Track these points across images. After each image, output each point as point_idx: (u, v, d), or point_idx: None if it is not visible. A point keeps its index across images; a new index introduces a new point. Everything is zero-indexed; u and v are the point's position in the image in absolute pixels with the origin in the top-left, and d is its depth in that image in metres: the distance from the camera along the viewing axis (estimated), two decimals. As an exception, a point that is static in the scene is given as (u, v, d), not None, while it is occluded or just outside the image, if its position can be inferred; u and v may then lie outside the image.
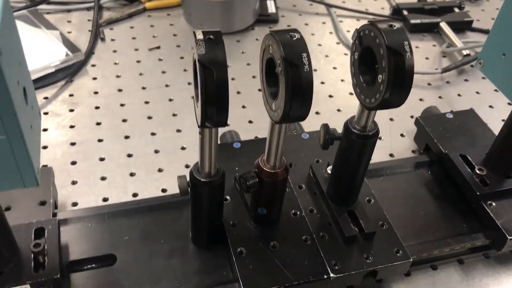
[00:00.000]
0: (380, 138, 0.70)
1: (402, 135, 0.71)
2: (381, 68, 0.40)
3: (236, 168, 0.57)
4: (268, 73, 0.41)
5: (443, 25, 0.91)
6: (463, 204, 0.58)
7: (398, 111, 0.74)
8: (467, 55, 0.84)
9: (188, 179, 0.46)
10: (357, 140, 0.47)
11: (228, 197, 0.54)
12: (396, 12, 0.95)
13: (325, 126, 0.48)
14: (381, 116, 0.73)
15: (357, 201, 0.54)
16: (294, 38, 0.38)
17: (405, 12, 0.94)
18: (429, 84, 0.81)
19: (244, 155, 0.59)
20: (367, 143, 0.47)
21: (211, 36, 0.37)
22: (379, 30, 0.40)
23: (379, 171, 0.61)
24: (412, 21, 0.91)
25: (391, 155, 0.68)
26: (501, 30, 0.49)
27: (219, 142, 0.63)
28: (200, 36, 0.37)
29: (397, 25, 0.40)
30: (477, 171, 0.57)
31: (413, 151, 0.69)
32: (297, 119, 0.40)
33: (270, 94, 0.41)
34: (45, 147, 0.64)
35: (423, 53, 0.87)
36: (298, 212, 0.53)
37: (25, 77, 0.36)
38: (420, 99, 0.78)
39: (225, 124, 0.39)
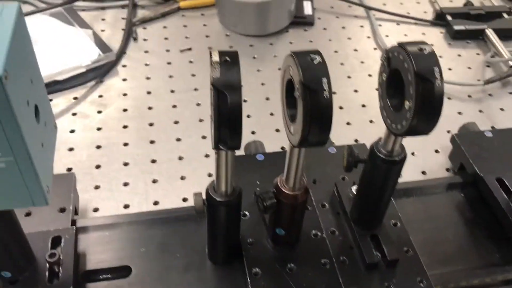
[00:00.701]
0: (412, 154, 0.67)
1: (436, 151, 0.68)
2: (409, 94, 0.38)
3: (258, 182, 0.56)
4: (288, 94, 0.39)
5: (489, 32, 0.86)
6: (497, 232, 0.55)
7: (434, 125, 0.71)
8: (514, 66, 0.79)
9: (204, 197, 0.45)
10: (382, 165, 0.45)
11: (247, 213, 0.52)
12: (440, 17, 0.90)
13: (349, 148, 0.46)
14: (415, 130, 0.70)
15: (382, 224, 0.51)
16: (314, 61, 0.36)
17: (449, 17, 0.89)
18: (469, 96, 0.77)
19: (267, 168, 0.57)
20: (393, 168, 0.45)
21: (227, 58, 0.35)
22: (408, 53, 0.37)
23: (408, 191, 0.59)
24: (456, 27, 0.86)
25: (423, 172, 0.65)
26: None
27: (243, 153, 0.61)
28: (215, 58, 0.35)
29: (428, 48, 0.37)
30: (514, 198, 0.54)
31: (447, 169, 0.65)
32: (315, 145, 0.38)
33: (289, 116, 0.39)
34: (71, 149, 0.65)
35: (465, 62, 0.83)
36: (319, 233, 0.51)
37: (38, 94, 0.36)
38: (459, 113, 0.74)
39: (238, 148, 0.37)
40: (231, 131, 0.36)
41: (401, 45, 0.38)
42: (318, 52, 0.37)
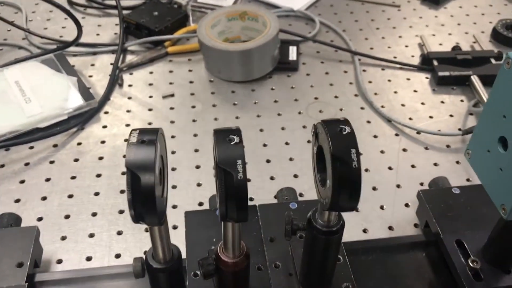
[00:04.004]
0: (381, 208, 0.66)
1: (407, 205, 0.67)
2: (329, 173, 0.38)
3: (214, 240, 0.56)
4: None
5: (474, 79, 0.84)
6: (456, 296, 0.54)
7: (407, 177, 0.70)
8: (496, 114, 0.78)
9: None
10: (318, 236, 0.44)
11: (198, 273, 0.53)
12: (426, 61, 0.89)
13: (288, 216, 0.46)
14: (387, 183, 0.70)
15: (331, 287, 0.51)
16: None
17: (435, 62, 0.88)
18: (448, 146, 0.76)
19: (226, 224, 0.58)
20: (330, 239, 0.45)
21: (145, 139, 0.36)
22: (327, 134, 0.37)
23: (367, 250, 0.58)
24: (440, 74, 0.86)
25: (390, 227, 0.64)
26: (486, 125, 0.44)
27: (207, 207, 0.62)
28: (133, 139, 0.36)
29: (348, 128, 0.38)
30: (470, 263, 0.52)
31: (415, 225, 0.64)
32: (238, 221, 0.39)
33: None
34: (44, 198, 0.67)
35: (448, 110, 0.82)
36: (267, 295, 0.51)
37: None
38: (435, 164, 0.73)
39: (156, 224, 0.38)
40: (146, 209, 0.36)
41: (324, 124, 0.39)
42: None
